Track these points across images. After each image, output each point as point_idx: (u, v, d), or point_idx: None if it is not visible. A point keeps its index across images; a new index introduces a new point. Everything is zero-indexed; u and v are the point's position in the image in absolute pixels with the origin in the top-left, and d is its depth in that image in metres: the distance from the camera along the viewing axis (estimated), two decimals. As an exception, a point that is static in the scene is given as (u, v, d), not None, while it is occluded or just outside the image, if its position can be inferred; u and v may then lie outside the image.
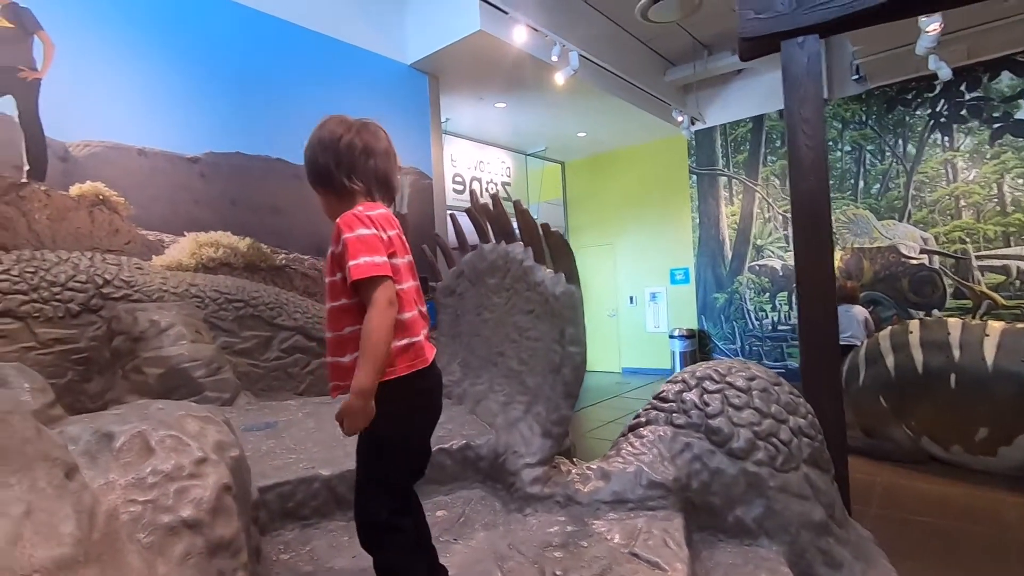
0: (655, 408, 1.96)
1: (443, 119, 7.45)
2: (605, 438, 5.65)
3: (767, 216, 8.02)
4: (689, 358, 8.48)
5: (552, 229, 1.96)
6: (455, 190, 8.10)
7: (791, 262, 7.65)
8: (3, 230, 3.38)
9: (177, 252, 4.10)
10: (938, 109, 6.62)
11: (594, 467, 1.79)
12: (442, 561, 1.35)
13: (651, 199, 9.19)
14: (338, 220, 1.15)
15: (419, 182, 5.90)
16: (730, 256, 8.38)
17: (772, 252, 8.01)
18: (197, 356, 3.11)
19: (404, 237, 1.25)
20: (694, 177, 8.66)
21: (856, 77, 6.95)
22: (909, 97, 6.80)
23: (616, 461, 1.77)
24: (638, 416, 2.03)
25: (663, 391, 2.03)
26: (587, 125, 8.21)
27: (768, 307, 7.97)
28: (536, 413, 1.90)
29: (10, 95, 3.48)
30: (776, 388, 1.91)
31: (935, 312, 6.54)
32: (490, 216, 2.56)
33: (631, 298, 9.55)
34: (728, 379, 1.92)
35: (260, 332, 4.35)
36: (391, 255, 1.15)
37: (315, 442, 2.08)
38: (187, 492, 1.03)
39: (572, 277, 1.85)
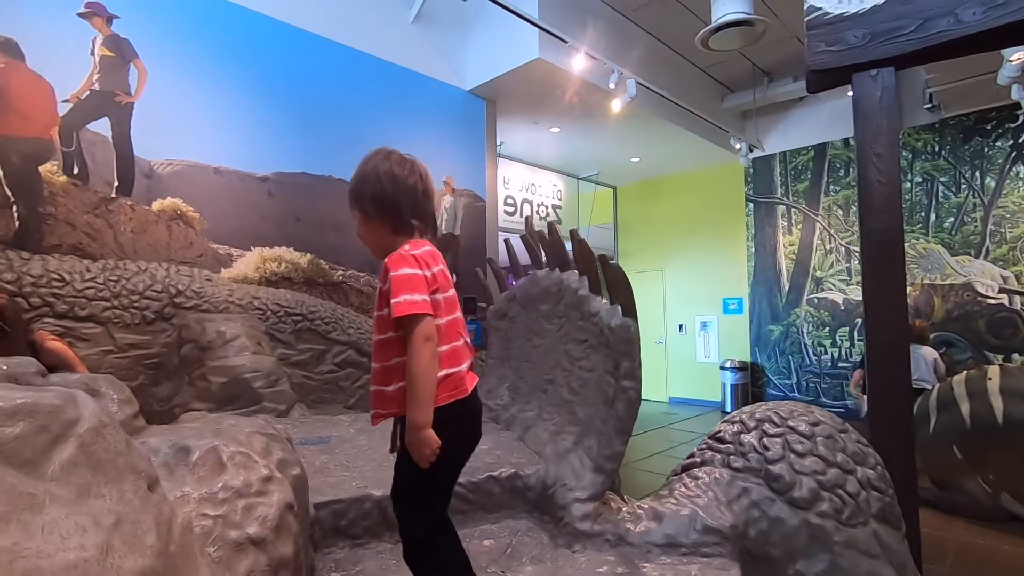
0: (711, 448, 1.90)
1: (498, 142, 7.60)
2: (650, 470, 5.50)
3: (828, 247, 7.71)
4: (740, 391, 8.18)
5: (611, 261, 1.95)
6: (506, 212, 8.19)
7: (853, 295, 7.31)
8: (92, 240, 3.65)
9: (243, 265, 4.31)
10: (1021, 141, 6.23)
11: (646, 506, 1.75)
12: (490, 594, 1.34)
13: (705, 226, 9.00)
14: (387, 260, 1.21)
15: (473, 204, 6.00)
16: (787, 287, 8.08)
17: (833, 285, 7.67)
18: (258, 367, 3.24)
19: (447, 272, 1.30)
20: (751, 205, 8.45)
21: (929, 106, 6.63)
22: (988, 127, 6.44)
23: (669, 502, 1.72)
24: (692, 456, 1.96)
25: (719, 431, 1.96)
26: (641, 150, 8.17)
27: (828, 342, 7.61)
28: (587, 446, 1.88)
29: (106, 117, 3.78)
30: (843, 436, 1.82)
31: (1015, 357, 6.08)
32: (545, 243, 2.57)
33: (681, 326, 9.33)
34: (790, 423, 1.84)
35: (315, 345, 4.49)
36: (434, 292, 1.20)
37: (367, 459, 2.12)
38: (254, 509, 1.07)
39: (629, 310, 1.83)
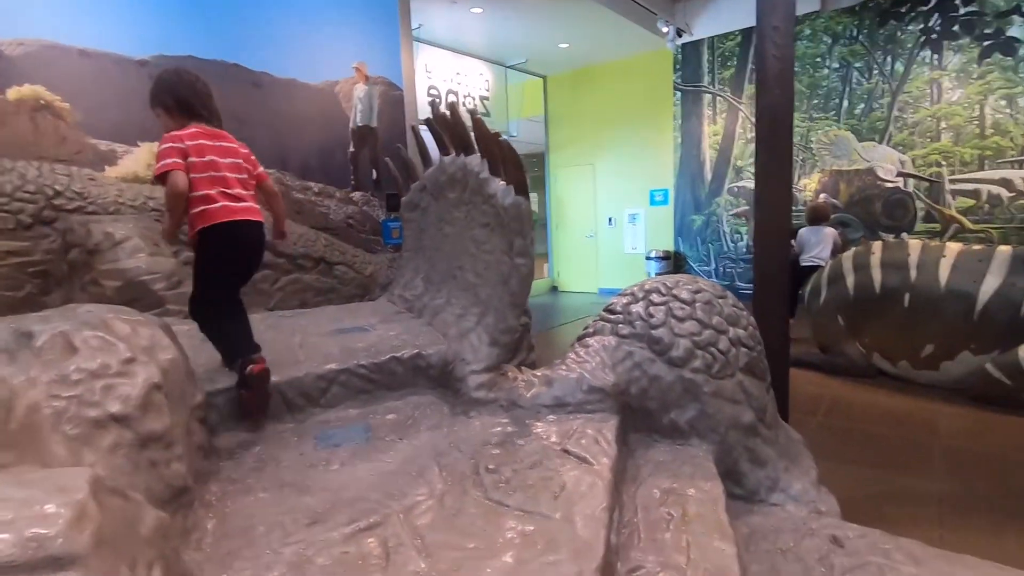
0: (603, 319, 2.01)
1: (415, 25, 7.02)
2: (575, 354, 5.82)
3: (750, 136, 7.88)
4: (664, 279, 8.62)
5: (502, 138, 1.90)
6: (430, 104, 7.79)
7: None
8: (-61, 136, 3.20)
9: (132, 163, 3.94)
10: (931, 24, 6.37)
11: (539, 374, 1.86)
12: (383, 457, 1.42)
13: (634, 117, 8.93)
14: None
15: (389, 93, 5.64)
16: (709, 177, 8.31)
17: (751, 174, 7.94)
18: (156, 269, 3.07)
19: (208, 142, 1.83)
20: (678, 94, 8.39)
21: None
22: (903, 10, 6.52)
23: (560, 369, 1.84)
24: (587, 327, 2.08)
25: (612, 303, 2.07)
26: (570, 35, 7.80)
27: (744, 229, 8.02)
28: (486, 324, 1.94)
29: (-73, -16, 3.17)
30: (720, 301, 1.96)
31: (903, 235, 6.65)
32: (447, 126, 2.47)
33: (610, 219, 9.52)
34: (674, 292, 1.96)
35: (226, 247, 4.28)
36: (186, 156, 1.76)
37: (269, 351, 2.12)
38: (114, 389, 1.05)
39: (521, 189, 1.82)
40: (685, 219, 8.61)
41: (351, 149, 5.31)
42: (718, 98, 8.04)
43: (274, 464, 1.51)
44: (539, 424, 1.67)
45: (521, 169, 1.81)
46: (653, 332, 1.86)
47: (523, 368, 1.96)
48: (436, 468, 1.42)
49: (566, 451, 1.49)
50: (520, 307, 1.83)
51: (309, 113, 4.99)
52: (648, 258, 8.75)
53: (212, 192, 1.78)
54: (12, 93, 3.45)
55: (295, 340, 2.29)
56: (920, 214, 6.64)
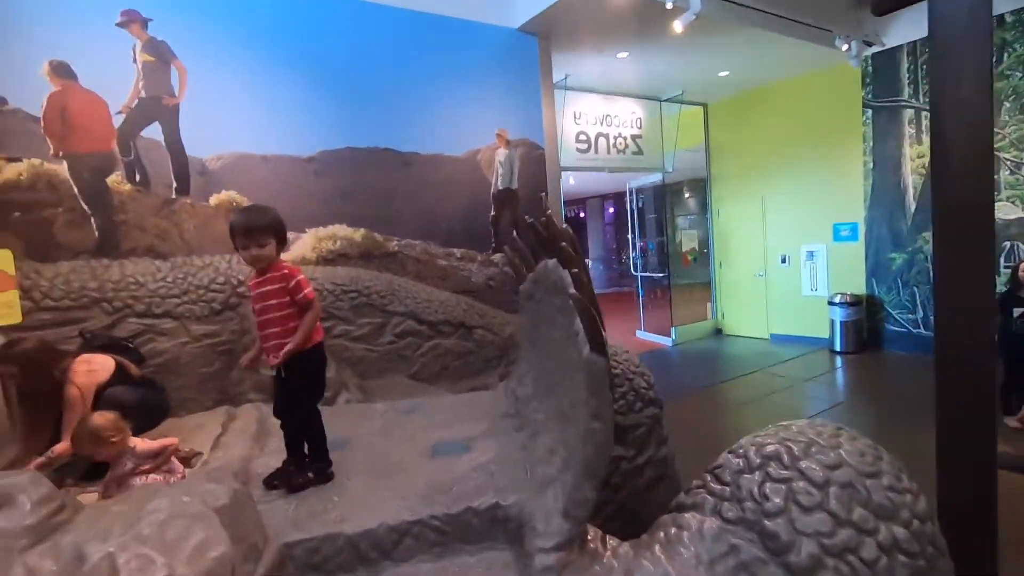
0: (707, 489, 1.67)
1: (563, 76, 7.04)
2: (742, 423, 5.19)
3: (969, 157, 6.36)
4: (852, 328, 7.34)
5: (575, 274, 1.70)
6: (579, 149, 7.72)
7: (1001, 212, 6.07)
8: (162, 241, 3.98)
9: (301, 247, 4.49)
10: None
11: (621, 553, 1.59)
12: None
13: (811, 142, 7.83)
14: (292, 273, 2.12)
15: (530, 153, 5.68)
16: (913, 208, 6.89)
17: (974, 203, 6.39)
18: (302, 359, 3.41)
19: None
20: (868, 112, 7.15)
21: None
22: None
23: (645, 557, 1.55)
24: (690, 490, 1.75)
25: (720, 464, 1.72)
26: (730, 63, 7.14)
27: (963, 271, 6.46)
28: (564, 482, 1.74)
29: (157, 121, 3.99)
30: (868, 482, 1.50)
31: None
32: (537, 234, 2.33)
33: (784, 257, 8.43)
34: (802, 464, 1.55)
35: (374, 319, 4.65)
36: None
37: (364, 478, 2.16)
38: (142, 620, 1.09)
39: (596, 341, 1.59)
40: (880, 257, 7.25)
41: (492, 213, 5.45)
42: (923, 113, 6.66)
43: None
44: (611, 632, 1.42)
45: (593, 319, 1.59)
46: (767, 522, 1.48)
47: (607, 539, 1.70)
48: None
49: None
50: (596, 477, 1.60)
51: (453, 183, 5.23)
52: (832, 303, 7.53)
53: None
54: (213, 199, 4.17)
55: (393, 460, 2.32)
56: None
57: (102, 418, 2.21)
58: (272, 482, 2.13)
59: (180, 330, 3.86)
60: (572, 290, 1.57)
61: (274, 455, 2.37)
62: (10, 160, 3.52)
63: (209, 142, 4.15)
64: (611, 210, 17.78)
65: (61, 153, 3.66)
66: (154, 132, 3.97)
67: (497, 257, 5.49)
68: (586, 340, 1.62)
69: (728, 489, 1.61)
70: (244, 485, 1.70)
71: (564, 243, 1.90)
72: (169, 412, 3.25)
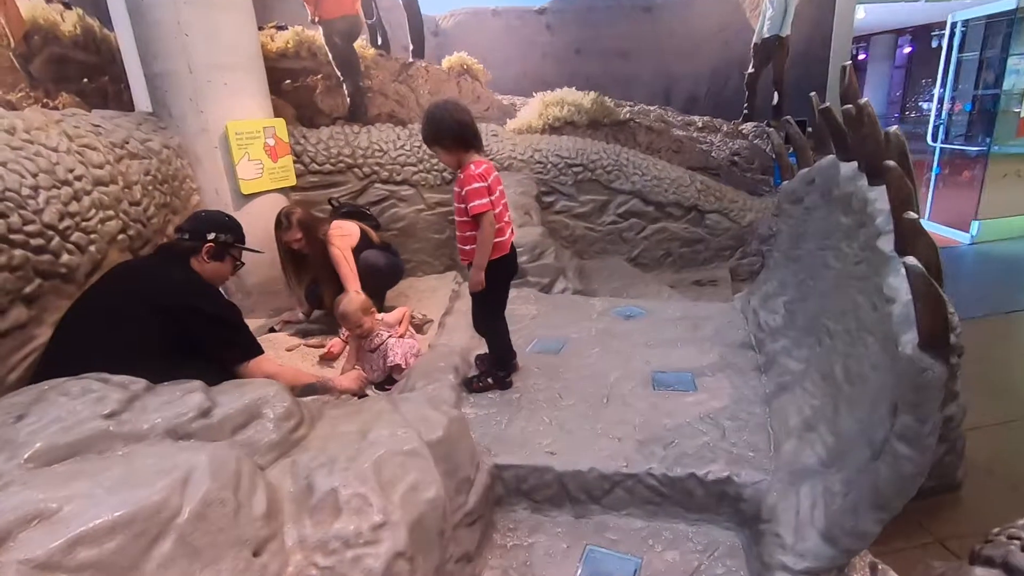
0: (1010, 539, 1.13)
1: None
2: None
3: None
4: None
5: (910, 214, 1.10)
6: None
7: None
8: (400, 106, 4.07)
9: (527, 114, 4.23)
10: None
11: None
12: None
13: None
14: (463, 177, 1.92)
15: (814, -14, 4.28)
16: None
17: None
18: (522, 242, 3.30)
19: (498, 178, 2.00)
20: None
21: None
22: None
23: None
24: (988, 539, 1.22)
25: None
26: None
27: None
28: (831, 486, 1.33)
29: (393, -23, 3.85)
30: None
31: None
32: (851, 127, 1.65)
33: None
34: None
35: (597, 196, 4.32)
36: (490, 194, 1.92)
37: (581, 397, 2.03)
38: (360, 561, 1.11)
39: (936, 337, 1.04)
40: None
41: (750, 70, 4.41)
42: None
43: (534, 581, 1.46)
44: None
45: (943, 309, 1.02)
46: None
47: (880, 570, 1.30)
48: None
49: None
50: (887, 512, 1.16)
51: (702, 33, 4.28)
52: None
53: (502, 225, 2.00)
54: (445, 62, 4.05)
55: (608, 382, 2.13)
56: None
57: (361, 296, 2.62)
58: (469, 383, 2.14)
59: (416, 197, 4.06)
60: (912, 261, 1.01)
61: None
62: (279, 28, 3.78)
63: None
64: (906, 50, 13.56)
65: (317, 19, 3.80)
66: (391, -8, 3.86)
67: (748, 126, 4.55)
68: (919, 331, 1.08)
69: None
70: (457, 409, 1.67)
71: (892, 164, 1.25)
72: (404, 274, 3.54)
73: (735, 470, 1.58)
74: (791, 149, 2.70)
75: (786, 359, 2.04)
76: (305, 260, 3.02)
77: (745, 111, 4.51)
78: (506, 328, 2.19)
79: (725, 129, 4.53)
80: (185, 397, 1.20)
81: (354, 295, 2.64)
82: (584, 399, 2.02)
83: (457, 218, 2.02)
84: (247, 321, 2.13)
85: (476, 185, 1.87)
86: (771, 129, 4.28)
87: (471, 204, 1.88)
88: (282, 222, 2.97)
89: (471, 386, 2.13)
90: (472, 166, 1.91)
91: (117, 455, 1.04)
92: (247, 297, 3.36)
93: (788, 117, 2.62)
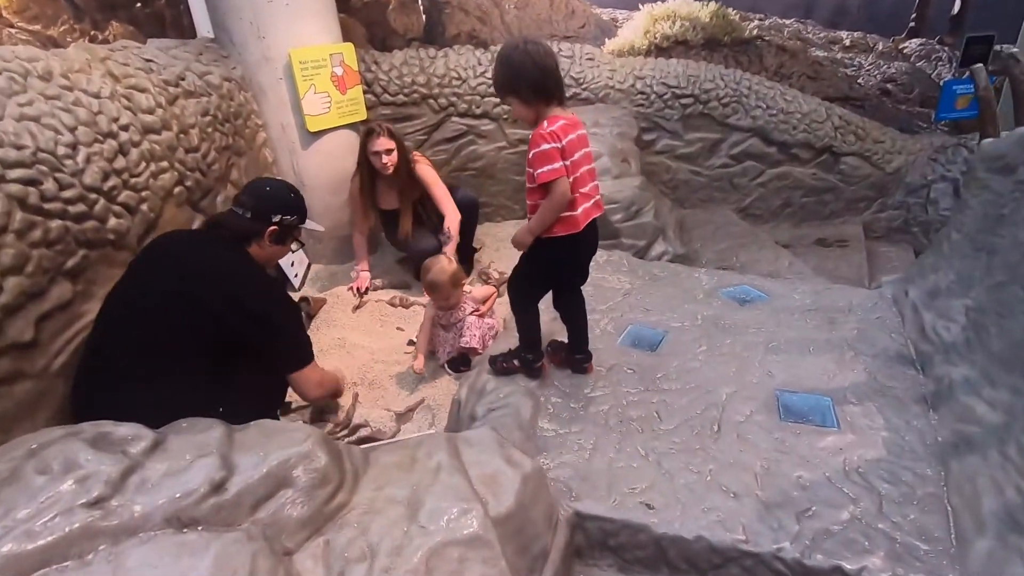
0: None
1: None
2: None
3: None
4: None
5: None
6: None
7: None
8: (483, 24, 3.52)
9: (630, 32, 3.55)
10: None
11: None
12: None
13: None
14: (532, 137, 1.56)
15: None
16: None
17: None
18: (617, 197, 2.82)
19: (582, 137, 1.62)
20: None
21: None
22: None
23: None
24: None
25: None
26: None
27: None
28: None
29: None
30: None
31: None
32: None
33: None
34: None
35: (709, 134, 3.67)
36: (564, 158, 1.55)
37: (683, 420, 1.66)
38: None
39: None
40: None
41: (928, -32, 3.40)
42: None
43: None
44: None
45: None
46: None
47: None
48: None
49: None
50: None
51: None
52: None
53: (575, 196, 1.62)
54: (535, -32, 3.41)
55: (720, 401, 1.72)
56: None
57: (454, 266, 2.35)
58: (494, 361, 1.90)
59: (498, 133, 3.61)
60: None
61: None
62: (346, -69, 3.28)
63: None
64: None
65: (388, -83, 3.25)
66: None
67: (913, 44, 3.61)
68: None
69: None
70: (532, 457, 1.35)
71: None
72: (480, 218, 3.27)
73: (901, 571, 1.18)
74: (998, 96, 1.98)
75: (972, 399, 1.53)
76: (382, 186, 2.89)
77: (912, 24, 3.56)
78: (537, 315, 1.84)
79: (880, 48, 3.63)
80: (195, 464, 0.96)
81: (446, 263, 2.31)
82: (688, 424, 1.65)
83: (527, 184, 1.66)
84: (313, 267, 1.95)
85: (545, 147, 1.53)
86: (978, 66, 3.15)
87: (538, 171, 1.54)
88: (375, 130, 2.75)
89: (495, 365, 1.88)
90: (545, 123, 1.55)
91: (100, 564, 0.82)
92: (318, 243, 3.18)
93: (1001, 48, 1.90)
